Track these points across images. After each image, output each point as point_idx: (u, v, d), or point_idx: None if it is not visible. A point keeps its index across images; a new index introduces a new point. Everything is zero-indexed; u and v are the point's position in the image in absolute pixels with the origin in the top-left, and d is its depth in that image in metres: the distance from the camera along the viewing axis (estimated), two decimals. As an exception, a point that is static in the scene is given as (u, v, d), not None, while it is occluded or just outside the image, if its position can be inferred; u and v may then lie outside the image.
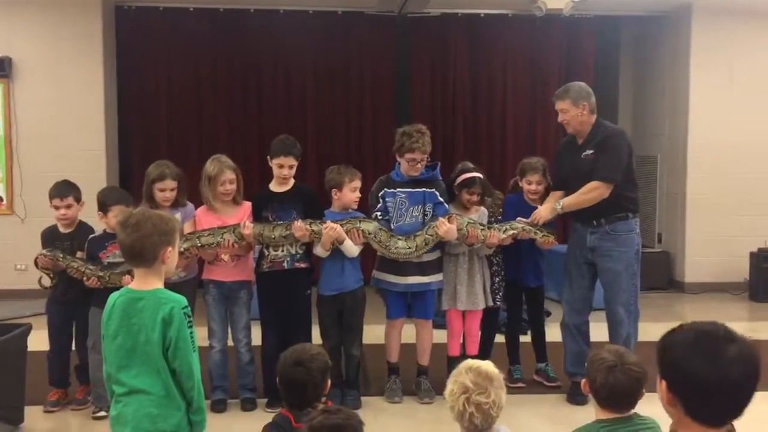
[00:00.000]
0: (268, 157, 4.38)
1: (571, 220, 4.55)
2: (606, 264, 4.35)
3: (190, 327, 2.39)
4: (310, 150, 7.92)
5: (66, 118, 7.24)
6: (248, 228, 4.16)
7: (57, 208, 4.27)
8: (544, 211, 4.36)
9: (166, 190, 4.27)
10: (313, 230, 4.20)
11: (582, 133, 4.39)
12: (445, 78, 8.32)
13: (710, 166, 7.71)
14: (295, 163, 4.34)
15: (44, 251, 4.19)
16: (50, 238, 4.30)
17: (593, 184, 4.25)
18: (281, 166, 4.30)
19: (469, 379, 2.34)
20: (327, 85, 8.17)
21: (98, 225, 4.33)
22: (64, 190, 4.29)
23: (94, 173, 6.96)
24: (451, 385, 2.38)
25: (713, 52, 7.68)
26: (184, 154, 7.44)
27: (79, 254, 4.22)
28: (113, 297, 2.46)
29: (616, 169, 4.28)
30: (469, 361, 2.45)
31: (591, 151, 4.32)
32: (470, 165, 4.64)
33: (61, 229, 4.31)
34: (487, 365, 2.42)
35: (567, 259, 4.53)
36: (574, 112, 4.32)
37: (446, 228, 4.22)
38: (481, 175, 4.55)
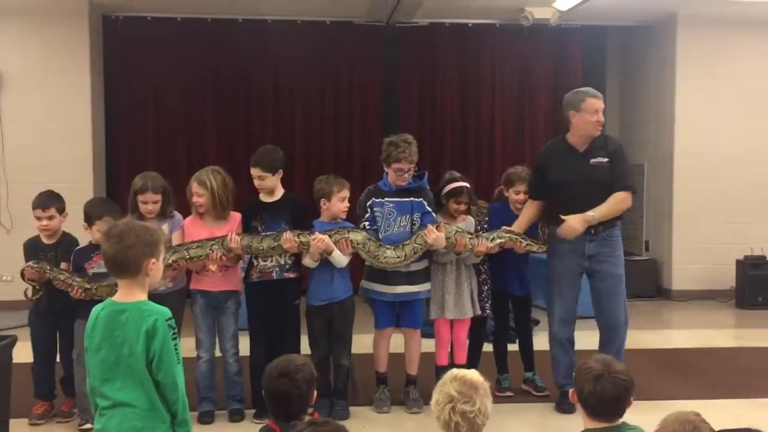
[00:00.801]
0: None
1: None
2: (608, 269, 4.37)
3: (175, 339, 2.37)
4: (298, 160, 7.93)
5: (53, 128, 7.21)
6: (235, 242, 4.15)
7: (39, 219, 4.23)
8: (576, 223, 4.22)
9: (148, 202, 4.24)
10: (301, 241, 4.19)
11: (587, 139, 4.38)
12: (434, 87, 8.36)
13: (696, 174, 7.77)
14: (263, 174, 4.27)
15: (31, 263, 4.15)
16: (33, 249, 4.26)
17: (622, 194, 4.32)
18: (254, 177, 4.31)
19: (454, 388, 2.33)
20: (315, 94, 8.19)
21: (83, 236, 4.30)
22: (47, 201, 4.25)
23: (81, 184, 6.93)
24: (436, 395, 2.38)
25: (698, 62, 7.75)
26: (172, 165, 7.45)
27: (63, 265, 4.19)
28: (96, 309, 2.43)
29: (632, 177, 4.45)
30: (454, 371, 2.45)
31: (604, 159, 4.33)
32: (457, 174, 4.66)
33: (44, 240, 4.28)
34: (473, 374, 2.42)
35: (556, 271, 4.43)
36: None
37: (435, 236, 4.22)
38: (467, 185, 4.57)
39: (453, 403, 2.31)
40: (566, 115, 4.41)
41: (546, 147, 4.72)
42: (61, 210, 4.29)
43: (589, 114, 4.32)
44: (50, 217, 4.23)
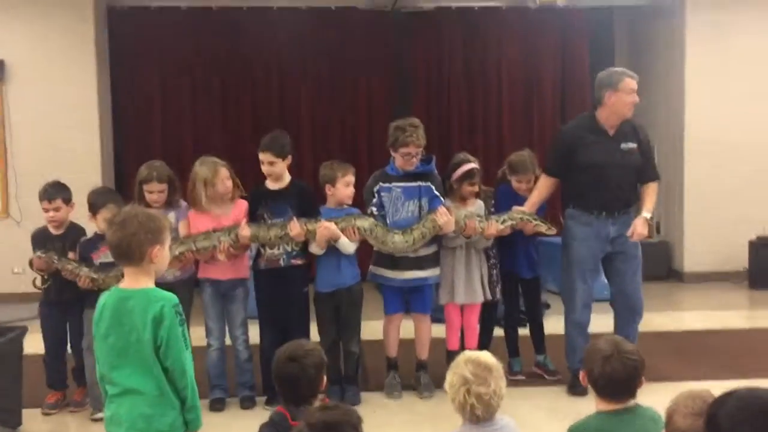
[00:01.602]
0: None
1: (584, 214, 4.33)
2: (632, 250, 4.37)
3: (182, 325, 2.36)
4: (305, 146, 7.91)
5: (60, 119, 7.21)
6: (246, 230, 4.13)
7: (46, 210, 4.23)
8: (642, 228, 4.24)
9: (153, 192, 4.23)
10: (308, 229, 4.17)
11: (618, 120, 4.31)
12: (441, 71, 8.32)
13: (707, 155, 7.67)
14: (274, 159, 4.25)
15: (39, 253, 4.16)
16: (41, 239, 4.27)
17: (655, 185, 4.42)
18: (262, 162, 4.29)
19: (469, 370, 2.32)
20: (322, 81, 8.16)
21: (91, 226, 4.29)
22: (52, 192, 4.24)
23: (89, 175, 6.89)
24: (450, 377, 2.36)
25: (708, 41, 7.64)
26: (178, 153, 7.44)
27: (70, 255, 4.19)
28: (104, 297, 2.43)
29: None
30: (468, 353, 2.44)
31: (633, 145, 4.30)
32: (469, 156, 4.61)
33: (52, 231, 4.28)
34: (486, 356, 2.40)
35: (579, 256, 4.33)
36: None
37: (446, 218, 4.18)
38: (477, 166, 4.53)
39: (468, 385, 2.30)
40: (600, 94, 4.29)
41: (574, 125, 4.53)
42: (68, 200, 4.28)
43: (625, 94, 4.25)
44: (56, 209, 4.23)
